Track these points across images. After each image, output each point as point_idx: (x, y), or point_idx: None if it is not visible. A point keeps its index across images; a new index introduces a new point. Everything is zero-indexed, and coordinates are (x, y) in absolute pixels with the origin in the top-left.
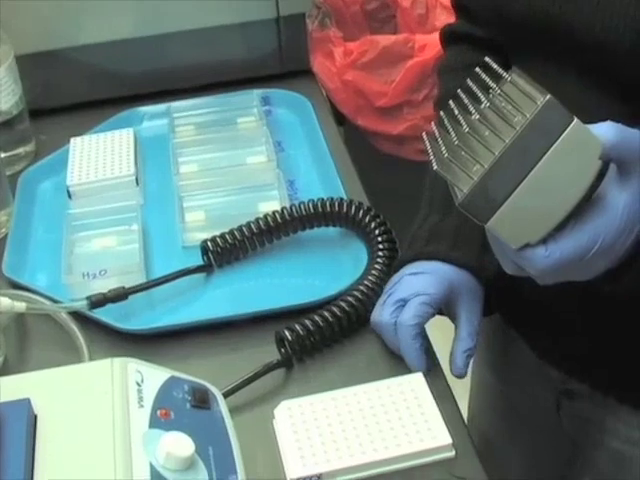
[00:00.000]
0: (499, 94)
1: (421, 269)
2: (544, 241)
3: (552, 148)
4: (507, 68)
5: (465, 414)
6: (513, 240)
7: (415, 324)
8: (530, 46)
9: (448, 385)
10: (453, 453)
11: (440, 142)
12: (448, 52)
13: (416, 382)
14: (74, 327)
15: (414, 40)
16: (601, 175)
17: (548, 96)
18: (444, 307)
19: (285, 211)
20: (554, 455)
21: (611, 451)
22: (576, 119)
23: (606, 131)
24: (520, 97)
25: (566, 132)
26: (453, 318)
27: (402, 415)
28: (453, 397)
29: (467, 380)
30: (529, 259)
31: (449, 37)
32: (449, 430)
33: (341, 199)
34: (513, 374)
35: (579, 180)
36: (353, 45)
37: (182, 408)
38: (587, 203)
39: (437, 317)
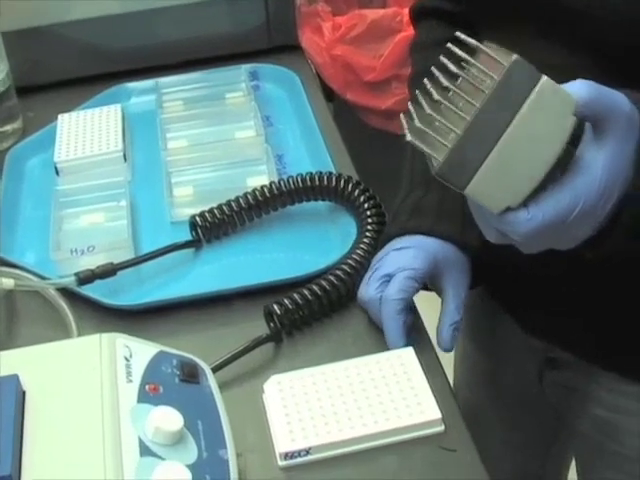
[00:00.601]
0: (471, 65)
1: (406, 244)
2: (525, 204)
3: (523, 107)
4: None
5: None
6: (494, 205)
7: (400, 299)
8: (500, 16)
9: (438, 359)
10: (442, 427)
11: (414, 116)
12: (418, 29)
13: (406, 356)
14: (62, 303)
15: (402, 14)
16: (577, 134)
17: (514, 56)
18: (430, 281)
19: (274, 185)
20: (538, 425)
21: (596, 419)
22: (545, 76)
23: (579, 88)
24: (490, 64)
25: (536, 89)
26: (439, 292)
27: (392, 390)
28: (443, 371)
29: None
30: (511, 223)
31: (418, 13)
32: (438, 404)
33: (330, 173)
34: (496, 345)
35: (554, 138)
36: (341, 19)
37: (171, 383)
38: (567, 164)
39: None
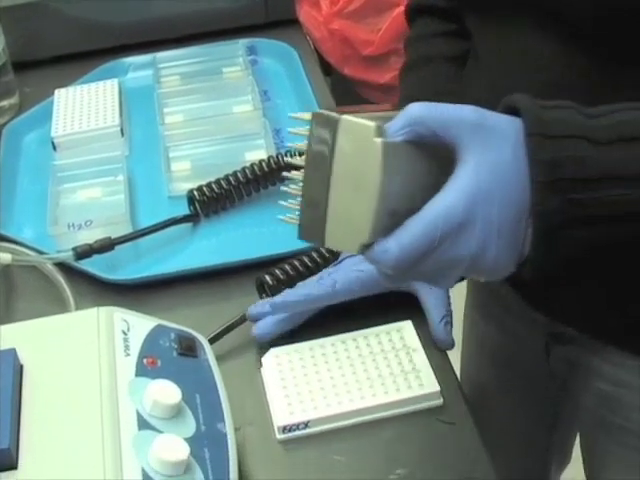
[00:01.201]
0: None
1: None
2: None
3: (335, 152)
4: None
5: (459, 361)
6: (350, 247)
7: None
8: (491, 10)
9: None
10: (441, 400)
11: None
12: (412, 27)
13: (405, 330)
14: (60, 278)
15: None
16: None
17: (314, 112)
18: None
19: (272, 160)
20: (543, 400)
21: (600, 394)
22: (342, 116)
23: (410, 108)
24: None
25: (338, 133)
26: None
27: (390, 363)
28: None
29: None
30: (373, 259)
31: (414, 12)
32: (437, 377)
33: None
34: (503, 319)
35: (371, 168)
36: None
37: (169, 356)
38: (414, 190)
39: None
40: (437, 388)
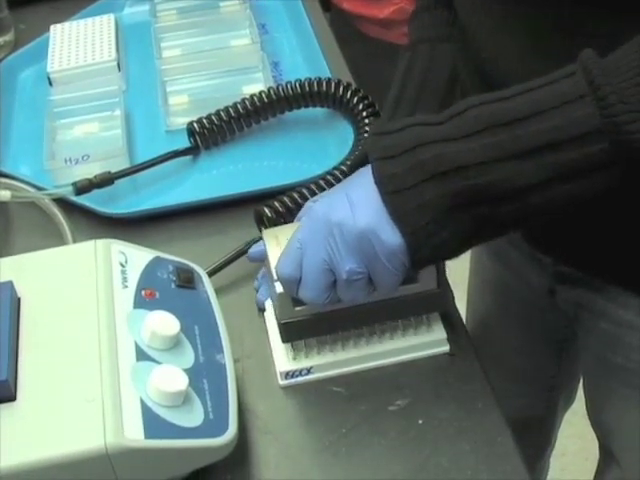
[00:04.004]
0: None
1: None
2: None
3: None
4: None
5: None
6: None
7: None
8: None
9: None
10: (448, 347)
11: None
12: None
13: None
14: (58, 214)
15: None
16: None
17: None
18: None
19: (272, 91)
20: (548, 338)
21: (602, 333)
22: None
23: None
24: None
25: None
26: None
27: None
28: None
29: (466, 263)
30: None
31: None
32: (444, 324)
33: (328, 79)
34: (508, 257)
35: None
36: None
37: (167, 288)
38: None
39: None
40: (444, 335)
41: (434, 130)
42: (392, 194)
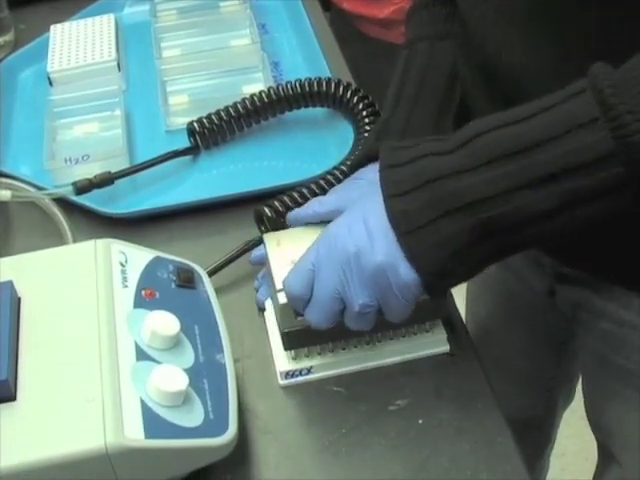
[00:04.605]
0: None
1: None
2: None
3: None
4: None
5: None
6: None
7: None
8: None
9: None
10: (447, 347)
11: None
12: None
13: None
14: (58, 213)
15: None
16: None
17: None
18: None
19: (272, 91)
20: (547, 338)
21: (602, 333)
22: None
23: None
24: None
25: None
26: None
27: None
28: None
29: None
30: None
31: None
32: (444, 324)
33: (329, 79)
34: (509, 259)
35: None
36: None
37: (167, 288)
38: None
39: None
40: (444, 335)
41: (444, 162)
42: (406, 234)
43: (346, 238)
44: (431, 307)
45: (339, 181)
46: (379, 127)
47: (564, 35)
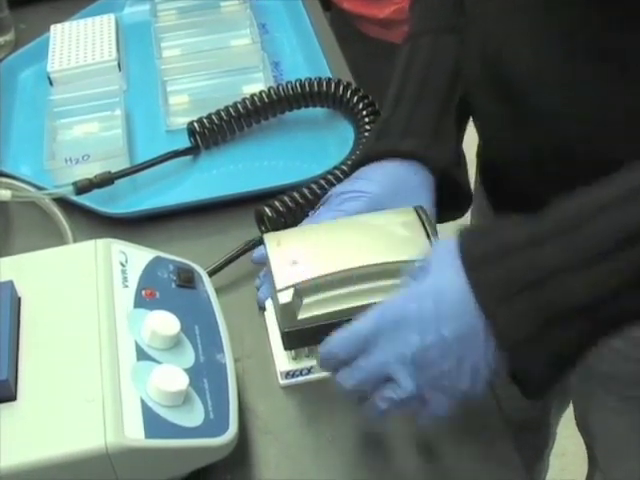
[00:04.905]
0: None
1: (362, 175)
2: None
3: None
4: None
5: None
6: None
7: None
8: None
9: None
10: None
11: None
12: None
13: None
14: (59, 213)
15: None
16: None
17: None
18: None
19: (272, 91)
20: None
21: None
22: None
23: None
24: None
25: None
26: None
27: None
28: None
29: None
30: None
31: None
32: None
33: (329, 79)
34: None
35: None
36: None
37: (167, 288)
38: None
39: None
40: None
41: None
42: (514, 349)
43: (413, 323)
44: None
45: (339, 180)
46: (380, 126)
47: (569, 33)
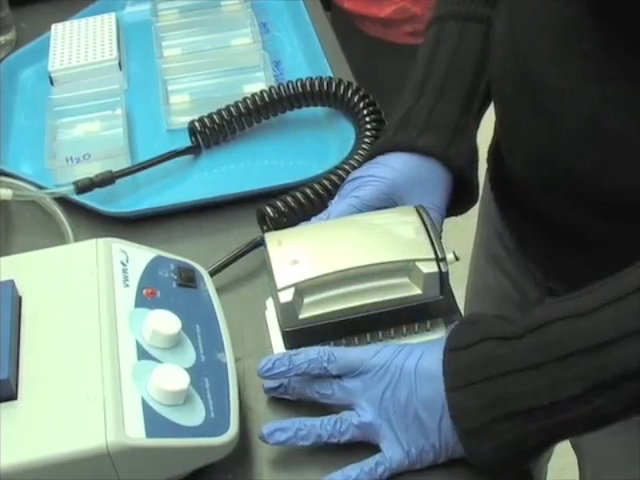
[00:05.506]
0: None
1: (381, 161)
2: None
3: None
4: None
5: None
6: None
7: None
8: None
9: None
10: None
11: None
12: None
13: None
14: (59, 213)
15: None
16: None
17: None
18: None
19: (273, 90)
20: None
21: None
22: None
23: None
24: None
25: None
26: None
27: None
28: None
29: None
30: None
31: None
32: (445, 323)
33: (330, 78)
34: (503, 261)
35: None
36: None
37: (168, 287)
38: None
39: None
40: (444, 333)
41: (510, 352)
42: (467, 434)
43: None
44: (434, 306)
45: (342, 180)
46: (401, 115)
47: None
